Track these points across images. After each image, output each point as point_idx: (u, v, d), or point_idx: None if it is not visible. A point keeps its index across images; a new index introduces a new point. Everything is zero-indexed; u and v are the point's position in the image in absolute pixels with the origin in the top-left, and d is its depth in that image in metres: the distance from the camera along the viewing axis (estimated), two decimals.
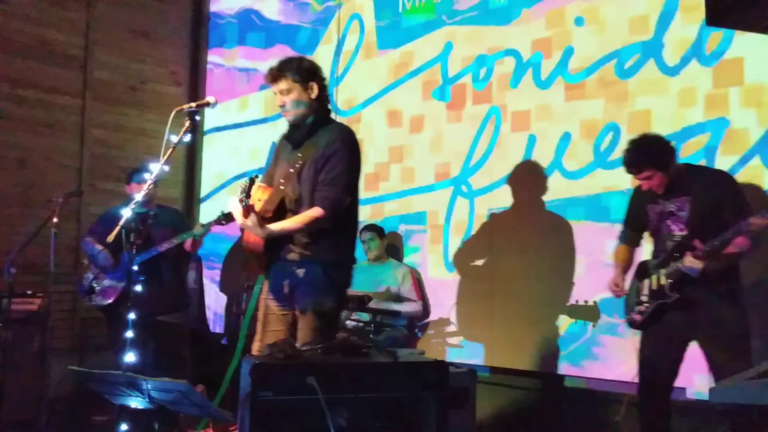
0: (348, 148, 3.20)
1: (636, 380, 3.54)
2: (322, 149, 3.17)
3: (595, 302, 4.27)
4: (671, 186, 3.39)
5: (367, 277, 5.01)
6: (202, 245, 4.83)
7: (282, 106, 3.25)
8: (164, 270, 4.62)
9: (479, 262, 4.92)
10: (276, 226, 3.11)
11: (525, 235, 4.70)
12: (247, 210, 3.04)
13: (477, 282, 4.91)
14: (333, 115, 3.46)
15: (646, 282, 3.45)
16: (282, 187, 3.21)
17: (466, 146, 5.01)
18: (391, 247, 5.28)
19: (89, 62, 6.17)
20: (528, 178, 4.70)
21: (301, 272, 3.17)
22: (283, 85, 3.21)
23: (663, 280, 3.33)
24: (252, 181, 3.08)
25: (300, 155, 3.20)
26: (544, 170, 4.62)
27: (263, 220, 3.11)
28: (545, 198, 4.62)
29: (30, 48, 5.82)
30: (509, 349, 4.73)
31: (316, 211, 3.10)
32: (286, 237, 3.18)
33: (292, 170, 3.18)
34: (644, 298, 3.45)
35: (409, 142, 5.33)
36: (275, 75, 3.23)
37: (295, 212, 3.18)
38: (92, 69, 6.19)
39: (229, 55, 6.84)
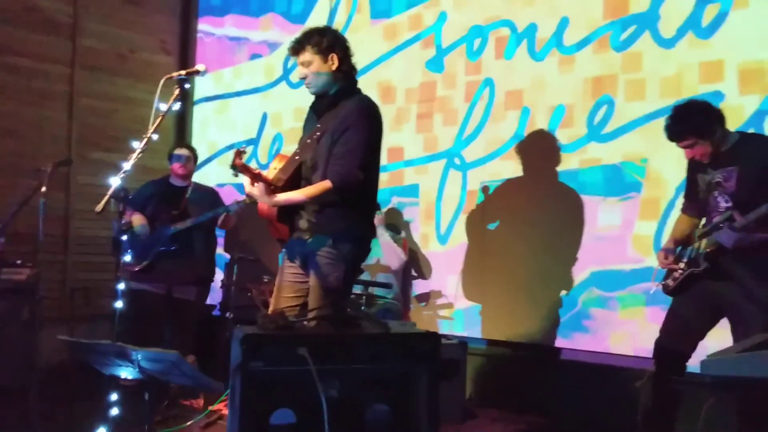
0: (365, 121, 3.14)
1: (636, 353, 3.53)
2: (340, 120, 3.13)
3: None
4: (719, 155, 3.26)
5: None
6: (234, 223, 5.14)
7: (303, 78, 3.22)
8: (196, 242, 4.95)
9: (472, 234, 4.91)
10: (283, 196, 3.10)
11: (519, 207, 4.69)
12: (255, 178, 3.03)
13: (470, 254, 4.91)
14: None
15: (688, 250, 3.40)
16: (297, 157, 3.22)
17: (459, 118, 4.98)
18: (391, 225, 5.24)
19: (78, 30, 6.08)
20: (522, 151, 4.68)
21: (311, 242, 3.16)
22: (304, 57, 3.18)
23: (700, 249, 3.28)
24: (238, 153, 2.97)
25: (319, 126, 3.20)
26: (538, 143, 4.59)
27: (276, 188, 3.11)
28: (539, 170, 4.60)
29: (18, 15, 5.72)
30: (501, 321, 4.74)
31: (325, 184, 3.07)
32: (299, 206, 3.18)
33: (309, 141, 3.20)
34: (681, 266, 3.40)
35: (402, 114, 5.28)
36: (296, 48, 3.21)
37: (310, 182, 3.16)
38: (81, 37, 6.10)
39: (220, 23, 6.75)
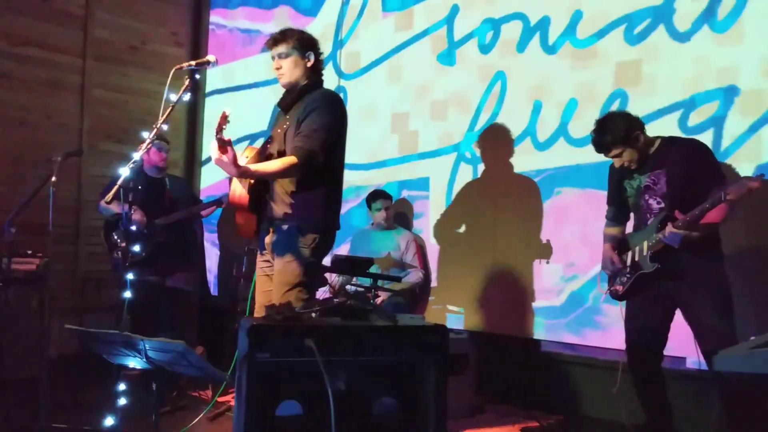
0: (328, 107, 3.28)
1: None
2: (304, 107, 3.29)
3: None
4: (645, 160, 3.41)
5: (371, 243, 5.00)
6: (214, 212, 5.42)
7: (278, 69, 3.38)
8: (185, 232, 5.18)
9: (481, 230, 4.89)
10: (252, 167, 3.11)
11: (525, 202, 4.66)
12: (224, 146, 2.91)
13: (479, 249, 4.88)
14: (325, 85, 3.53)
15: (629, 254, 3.48)
16: (268, 147, 3.37)
17: (470, 112, 4.95)
18: (400, 215, 5.24)
19: (90, 21, 6.08)
20: (534, 145, 4.64)
21: (277, 230, 3.30)
22: (281, 48, 3.35)
23: (644, 252, 3.36)
24: (224, 117, 2.93)
25: (287, 117, 3.37)
26: (549, 137, 4.56)
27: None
28: (550, 165, 4.57)
29: (30, 6, 5.74)
30: (509, 316, 4.71)
31: (290, 159, 3.14)
32: (269, 195, 3.33)
33: (279, 130, 3.36)
34: (626, 269, 3.48)
35: (413, 107, 5.25)
36: (276, 39, 3.38)
37: None
38: (93, 28, 6.10)
39: (232, 15, 6.74)
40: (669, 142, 3.46)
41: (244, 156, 3.31)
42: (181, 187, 5.27)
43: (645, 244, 3.36)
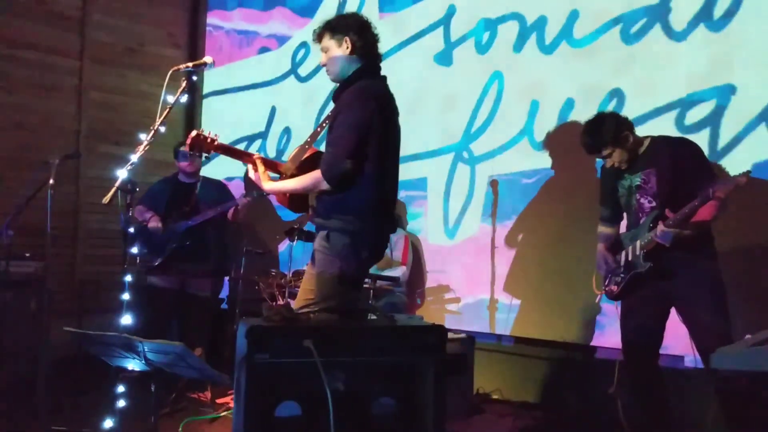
0: (355, 104, 2.97)
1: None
2: (336, 107, 3.06)
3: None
4: (635, 160, 3.43)
5: None
6: (244, 215, 5.15)
7: (324, 65, 3.17)
8: (209, 237, 5.02)
9: (483, 229, 4.89)
10: (276, 185, 3.08)
11: (530, 202, 4.67)
12: (255, 165, 3.11)
13: (480, 248, 4.89)
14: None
15: (622, 254, 3.50)
16: (306, 146, 3.15)
17: (468, 112, 4.95)
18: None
19: (87, 23, 6.09)
20: (531, 145, 4.65)
21: (315, 235, 3.08)
22: (322, 43, 3.14)
23: (637, 251, 3.37)
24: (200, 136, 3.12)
25: (330, 114, 3.12)
26: (546, 137, 4.56)
27: (285, 177, 3.09)
28: (547, 165, 4.57)
29: (27, 8, 5.74)
30: (510, 315, 4.72)
31: (316, 174, 2.96)
32: (306, 199, 3.16)
33: (319, 129, 3.18)
34: (620, 269, 3.50)
35: (411, 107, 5.26)
36: (316, 34, 3.17)
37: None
38: (90, 30, 6.11)
39: (229, 17, 6.74)
40: (659, 141, 3.47)
41: (289, 156, 3.18)
42: (209, 191, 5.12)
43: (638, 244, 3.37)
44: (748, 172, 3.05)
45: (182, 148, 4.99)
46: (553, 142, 4.55)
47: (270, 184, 3.07)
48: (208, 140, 3.15)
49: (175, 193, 5.07)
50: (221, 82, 6.73)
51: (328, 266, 2.96)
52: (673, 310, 3.40)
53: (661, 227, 3.22)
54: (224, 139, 3.36)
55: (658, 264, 3.30)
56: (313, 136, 3.21)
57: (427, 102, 5.17)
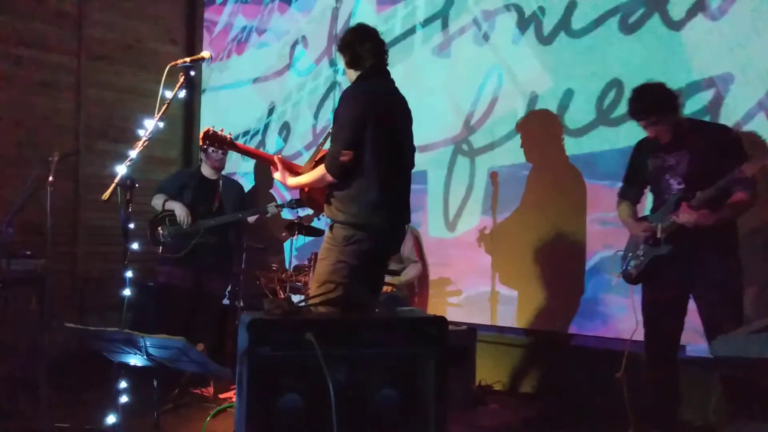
0: (345, 104, 3.24)
1: (634, 337, 3.53)
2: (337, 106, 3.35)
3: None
4: (672, 139, 3.35)
5: None
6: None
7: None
8: (230, 235, 5.10)
9: (482, 221, 4.89)
10: (292, 180, 3.41)
11: (527, 193, 4.66)
12: (275, 165, 3.46)
13: (480, 241, 4.89)
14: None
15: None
16: (320, 147, 3.52)
17: (467, 104, 4.94)
18: None
19: (84, 20, 6.07)
20: (530, 136, 4.64)
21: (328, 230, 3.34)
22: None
23: (659, 233, 3.33)
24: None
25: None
26: (546, 128, 4.56)
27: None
28: (547, 156, 4.57)
29: (24, 5, 5.72)
30: (511, 307, 4.72)
31: (322, 167, 3.25)
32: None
33: (329, 132, 3.38)
34: (640, 252, 3.45)
35: (409, 100, 5.23)
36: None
37: None
38: (87, 27, 6.09)
39: (226, 12, 6.72)
40: (697, 124, 3.42)
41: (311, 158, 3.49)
42: (231, 191, 5.16)
43: (659, 227, 3.33)
44: None
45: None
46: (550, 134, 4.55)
47: (292, 180, 3.41)
48: (220, 137, 3.55)
49: (199, 188, 5.05)
50: (219, 78, 6.72)
51: (328, 255, 3.22)
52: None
53: (684, 209, 3.18)
54: None
55: (678, 247, 3.27)
56: (326, 137, 3.48)
57: (426, 94, 5.16)
